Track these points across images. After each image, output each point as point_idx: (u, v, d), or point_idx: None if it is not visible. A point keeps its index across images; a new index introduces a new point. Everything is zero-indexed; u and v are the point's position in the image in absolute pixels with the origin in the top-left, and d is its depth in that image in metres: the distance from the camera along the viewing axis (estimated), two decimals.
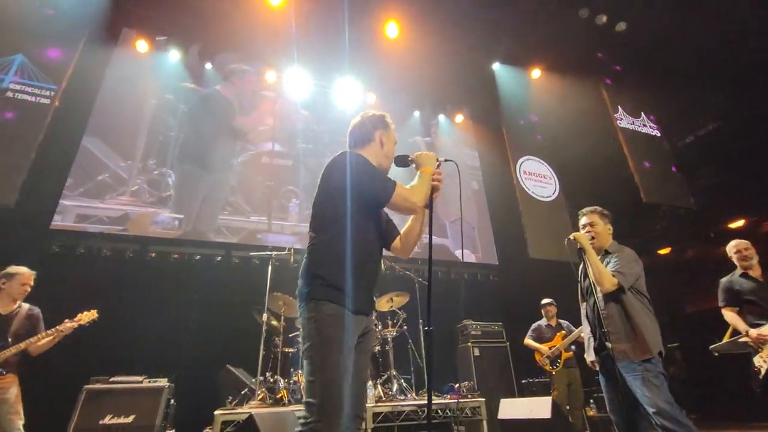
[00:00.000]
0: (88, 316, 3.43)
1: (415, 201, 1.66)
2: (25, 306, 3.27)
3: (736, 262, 3.47)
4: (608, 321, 2.33)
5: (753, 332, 3.08)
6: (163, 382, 3.71)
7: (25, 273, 3.23)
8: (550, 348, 4.92)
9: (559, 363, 4.84)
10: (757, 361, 3.05)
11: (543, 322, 5.25)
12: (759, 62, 6.38)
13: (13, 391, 3.00)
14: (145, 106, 6.36)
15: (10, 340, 3.04)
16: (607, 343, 2.21)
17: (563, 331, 5.00)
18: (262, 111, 7.22)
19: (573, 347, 4.92)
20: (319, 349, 1.42)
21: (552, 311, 5.21)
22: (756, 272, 3.37)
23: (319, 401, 1.34)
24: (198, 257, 5.76)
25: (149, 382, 3.69)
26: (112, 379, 3.62)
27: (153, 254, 5.56)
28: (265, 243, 6.04)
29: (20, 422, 2.93)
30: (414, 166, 1.82)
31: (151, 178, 5.98)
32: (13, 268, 3.23)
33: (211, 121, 6.73)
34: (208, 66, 7.01)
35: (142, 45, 6.56)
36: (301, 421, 1.36)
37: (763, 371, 2.99)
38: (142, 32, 6.60)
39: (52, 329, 3.22)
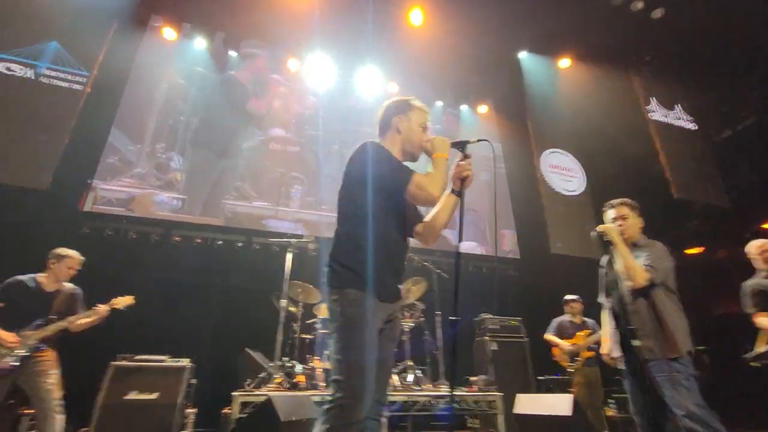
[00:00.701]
0: (123, 302, 3.52)
1: (432, 192, 1.60)
2: (69, 286, 3.41)
3: (761, 264, 3.22)
4: (636, 317, 2.23)
5: None
6: (185, 361, 3.82)
7: (74, 257, 3.36)
8: (571, 344, 4.80)
9: (577, 360, 4.72)
10: None
11: (566, 318, 5.09)
12: None
13: (53, 365, 3.15)
14: (156, 90, 6.43)
15: (53, 317, 3.20)
16: (634, 341, 2.12)
17: (588, 330, 4.84)
18: (273, 96, 7.26)
19: (594, 346, 4.74)
20: (345, 329, 1.45)
21: (577, 308, 5.05)
22: None
23: (345, 378, 1.37)
24: (220, 242, 5.87)
25: (172, 361, 3.80)
26: (137, 357, 3.74)
27: (177, 238, 5.70)
28: (269, 229, 6.14)
29: (59, 393, 3.07)
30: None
31: (159, 162, 6.03)
32: (63, 250, 3.36)
33: (227, 107, 6.78)
34: (233, 54, 7.08)
35: (169, 32, 6.67)
36: (329, 398, 1.39)
37: None
38: (169, 20, 6.71)
39: (90, 310, 3.35)
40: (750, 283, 3.22)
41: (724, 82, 6.86)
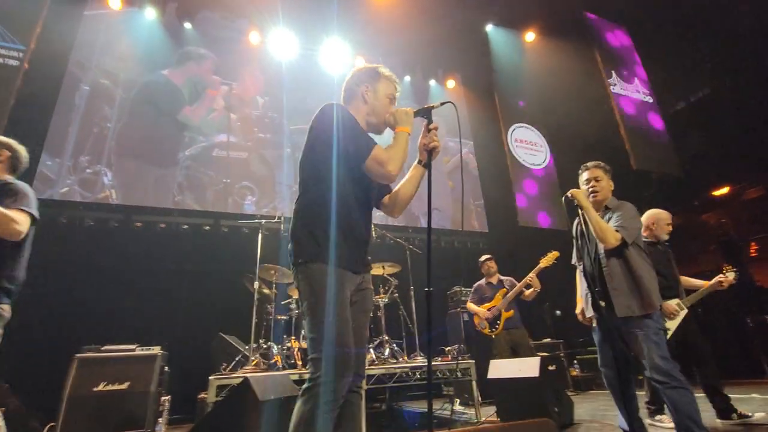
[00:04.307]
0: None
1: (391, 169, 1.52)
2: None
3: (660, 230, 3.34)
4: (611, 277, 2.29)
5: (670, 304, 3.07)
6: (156, 349, 3.72)
7: None
8: (489, 309, 4.50)
9: (498, 325, 4.43)
10: None
11: (483, 281, 4.80)
12: (754, 26, 6.29)
13: None
14: (76, 93, 5.62)
15: None
16: (613, 300, 2.21)
17: (504, 289, 4.54)
18: (211, 100, 6.47)
19: (515, 306, 4.49)
20: (315, 307, 1.41)
21: (492, 267, 4.75)
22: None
23: (324, 356, 1.35)
24: (185, 226, 5.67)
25: (142, 350, 3.69)
26: (104, 348, 3.60)
27: (138, 224, 5.45)
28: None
29: None
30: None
31: (84, 177, 5.28)
32: None
33: (156, 111, 5.99)
34: (188, 26, 6.64)
35: (114, 1, 6.15)
36: (309, 376, 1.37)
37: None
38: None
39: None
40: None
41: (679, 55, 7.13)
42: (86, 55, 5.85)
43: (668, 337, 3.02)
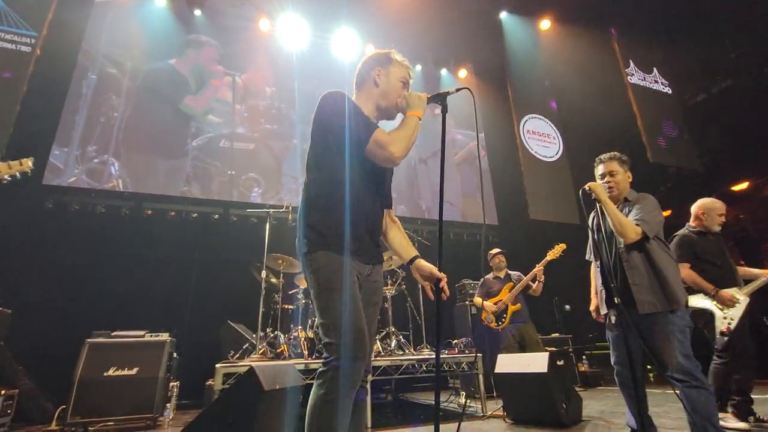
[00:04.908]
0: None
1: (393, 151, 1.45)
2: None
3: (710, 221, 3.21)
4: (632, 272, 2.19)
5: (727, 292, 2.95)
6: (164, 336, 3.76)
7: None
8: (495, 303, 4.43)
9: (504, 318, 4.39)
10: (722, 322, 2.94)
11: (491, 275, 4.71)
12: None
13: None
14: (83, 82, 5.57)
15: None
16: (617, 298, 2.12)
17: (511, 283, 4.48)
18: (215, 89, 6.37)
19: (522, 300, 4.42)
20: (323, 294, 1.39)
21: (502, 262, 4.66)
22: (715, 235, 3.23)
23: (337, 340, 1.33)
24: (195, 215, 5.69)
25: (151, 336, 3.74)
26: (114, 334, 3.66)
27: (149, 211, 5.48)
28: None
29: None
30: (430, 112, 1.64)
31: (92, 167, 5.28)
32: None
33: (162, 100, 5.92)
34: (198, 12, 6.59)
35: None
36: (323, 361, 1.35)
37: (725, 328, 2.92)
38: None
39: None
40: (680, 233, 3.29)
41: (701, 45, 6.87)
42: (94, 43, 5.83)
43: (733, 327, 2.92)
